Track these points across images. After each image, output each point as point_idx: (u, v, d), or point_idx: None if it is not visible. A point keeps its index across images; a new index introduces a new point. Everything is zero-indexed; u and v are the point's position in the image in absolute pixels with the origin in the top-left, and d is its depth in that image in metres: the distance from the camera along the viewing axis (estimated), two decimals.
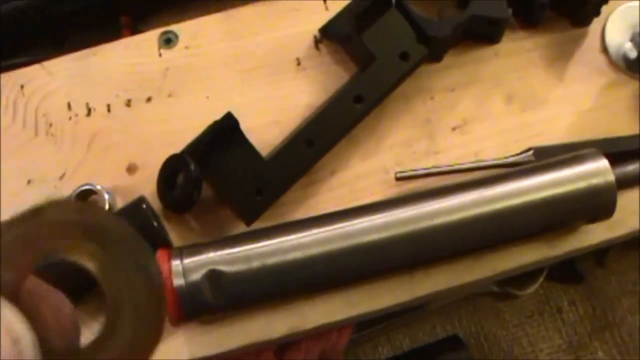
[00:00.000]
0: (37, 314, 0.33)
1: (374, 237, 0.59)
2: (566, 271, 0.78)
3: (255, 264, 0.57)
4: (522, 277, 0.73)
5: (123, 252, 0.34)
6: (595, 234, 0.65)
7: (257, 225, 0.62)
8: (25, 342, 0.30)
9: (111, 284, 0.34)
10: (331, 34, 0.69)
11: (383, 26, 0.65)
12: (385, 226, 0.59)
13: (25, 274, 0.33)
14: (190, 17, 0.81)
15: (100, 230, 0.34)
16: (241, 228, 0.63)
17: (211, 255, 0.58)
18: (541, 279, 0.72)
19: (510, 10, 0.67)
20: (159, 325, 0.34)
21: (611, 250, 0.79)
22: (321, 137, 0.63)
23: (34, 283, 0.34)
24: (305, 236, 0.58)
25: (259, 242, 0.58)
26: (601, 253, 0.80)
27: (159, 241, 0.62)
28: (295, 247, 0.58)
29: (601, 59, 0.71)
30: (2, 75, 0.71)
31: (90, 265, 0.34)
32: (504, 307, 0.78)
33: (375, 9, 0.65)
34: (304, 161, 0.63)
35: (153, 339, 0.34)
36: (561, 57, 0.71)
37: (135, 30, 0.81)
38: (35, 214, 0.33)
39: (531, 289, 0.72)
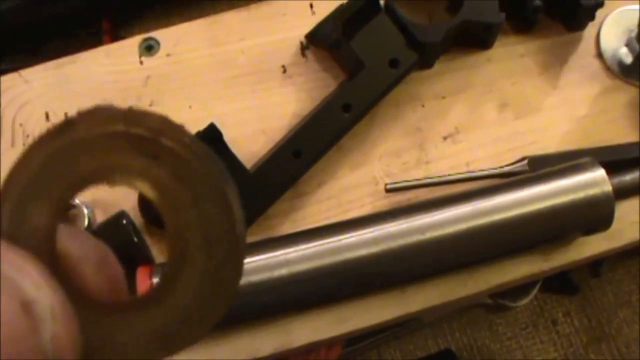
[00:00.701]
0: (73, 265, 0.26)
1: (363, 252, 0.57)
2: (560, 282, 0.76)
3: (241, 281, 0.55)
4: (516, 289, 0.71)
5: (190, 172, 0.25)
6: (592, 246, 0.63)
7: None
8: (41, 307, 0.22)
9: (175, 214, 0.25)
10: (318, 40, 0.66)
11: (372, 32, 0.63)
12: (375, 241, 0.57)
13: (59, 210, 0.25)
14: (173, 23, 0.79)
15: (157, 142, 0.25)
16: None
17: None
18: (535, 291, 0.70)
19: (503, 15, 0.65)
20: (236, 273, 0.26)
21: (606, 260, 0.77)
22: (309, 148, 0.61)
23: (65, 227, 0.27)
24: (292, 252, 0.56)
25: None
26: (596, 263, 0.78)
27: (140, 257, 0.59)
28: (282, 264, 0.56)
29: (596, 64, 0.69)
30: None
31: (145, 189, 0.26)
32: (498, 319, 0.76)
33: (364, 14, 0.63)
34: (291, 173, 0.61)
35: (227, 292, 0.26)
36: (555, 62, 0.69)
37: (116, 36, 0.79)
38: (67, 128, 0.25)
39: (525, 301, 0.71)
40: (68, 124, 0.25)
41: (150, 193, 0.26)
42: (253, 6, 0.70)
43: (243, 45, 0.68)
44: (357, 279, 0.58)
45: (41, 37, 0.80)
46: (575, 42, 0.70)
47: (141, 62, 0.68)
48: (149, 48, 0.68)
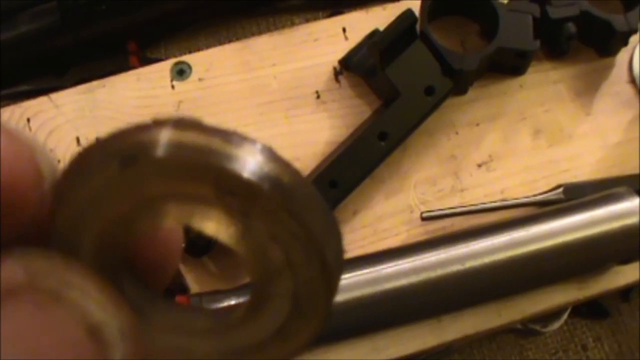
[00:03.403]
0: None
1: (403, 282, 0.56)
2: (590, 307, 0.76)
3: None
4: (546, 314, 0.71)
5: (287, 234, 0.21)
6: (626, 274, 0.63)
7: None
8: (110, 331, 0.20)
9: (262, 269, 0.22)
10: (352, 67, 0.66)
11: (407, 59, 0.63)
12: (414, 271, 0.57)
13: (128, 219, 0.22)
14: (200, 44, 0.78)
15: (252, 184, 0.20)
16: None
17: (233, 302, 0.55)
18: (565, 316, 0.70)
19: (538, 42, 0.64)
20: (318, 325, 0.23)
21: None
22: (345, 178, 0.61)
23: None
24: None
25: None
26: (626, 287, 0.78)
27: (176, 286, 0.59)
28: None
29: (629, 90, 0.69)
30: (8, 108, 0.68)
31: (223, 233, 0.22)
32: (528, 344, 0.76)
33: (400, 42, 0.62)
34: (327, 203, 0.60)
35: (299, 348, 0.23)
36: (588, 88, 0.69)
37: (143, 57, 0.79)
38: (140, 154, 0.20)
39: (555, 326, 0.70)
40: (141, 151, 0.20)
41: (229, 239, 0.22)
42: (285, 31, 0.69)
43: (275, 70, 0.68)
44: (395, 309, 0.57)
45: (67, 60, 0.79)
46: (608, 68, 0.70)
47: (173, 87, 0.68)
48: (181, 72, 0.68)
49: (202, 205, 0.21)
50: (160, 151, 0.20)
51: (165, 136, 0.20)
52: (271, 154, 0.21)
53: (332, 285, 0.22)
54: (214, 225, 0.22)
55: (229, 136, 0.20)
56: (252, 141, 0.20)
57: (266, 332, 0.23)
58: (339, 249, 0.23)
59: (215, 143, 0.20)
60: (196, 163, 0.20)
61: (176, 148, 0.20)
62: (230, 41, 0.76)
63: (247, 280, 0.61)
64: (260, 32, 0.80)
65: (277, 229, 0.21)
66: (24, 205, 0.21)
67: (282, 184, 0.21)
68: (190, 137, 0.20)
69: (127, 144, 0.20)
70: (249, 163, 0.20)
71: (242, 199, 0.20)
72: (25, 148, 0.21)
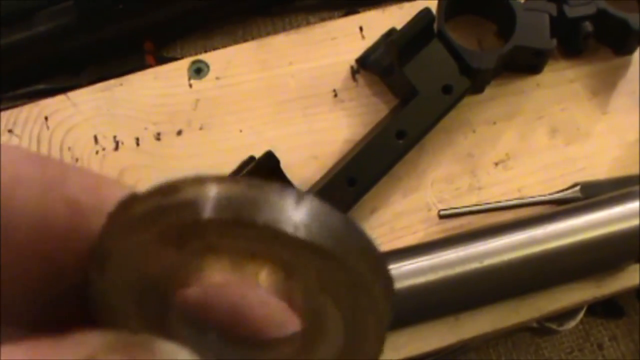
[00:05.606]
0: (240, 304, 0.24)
1: (421, 280, 0.56)
2: (605, 305, 0.76)
3: None
4: (562, 312, 0.71)
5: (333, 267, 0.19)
6: None
7: None
8: None
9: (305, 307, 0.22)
10: (370, 66, 0.66)
11: (425, 58, 0.63)
12: (432, 269, 0.57)
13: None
14: (216, 42, 0.79)
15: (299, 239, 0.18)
16: None
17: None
18: (581, 315, 0.70)
19: (554, 41, 0.65)
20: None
21: None
22: (363, 176, 0.61)
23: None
24: None
25: None
26: None
27: None
28: None
29: None
30: (26, 106, 0.68)
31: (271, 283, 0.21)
32: (543, 342, 0.76)
33: (417, 41, 0.63)
34: (345, 201, 0.61)
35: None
36: (604, 87, 0.69)
37: (159, 56, 0.79)
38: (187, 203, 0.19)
39: (571, 325, 0.70)
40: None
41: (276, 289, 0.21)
42: (302, 30, 0.70)
43: (293, 69, 0.68)
44: (414, 307, 0.57)
45: (83, 59, 0.80)
46: (625, 67, 0.70)
47: (190, 85, 0.68)
48: (198, 71, 0.68)
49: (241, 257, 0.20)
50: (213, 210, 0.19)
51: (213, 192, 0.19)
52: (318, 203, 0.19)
53: (381, 313, 0.21)
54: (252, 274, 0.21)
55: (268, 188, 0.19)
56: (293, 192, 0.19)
57: None
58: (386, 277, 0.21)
59: (254, 194, 0.19)
60: (246, 220, 0.19)
61: (226, 205, 0.19)
62: (245, 40, 0.77)
63: None
64: (275, 32, 0.81)
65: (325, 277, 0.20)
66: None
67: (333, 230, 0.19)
68: (236, 190, 0.19)
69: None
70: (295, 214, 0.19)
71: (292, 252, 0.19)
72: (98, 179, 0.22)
